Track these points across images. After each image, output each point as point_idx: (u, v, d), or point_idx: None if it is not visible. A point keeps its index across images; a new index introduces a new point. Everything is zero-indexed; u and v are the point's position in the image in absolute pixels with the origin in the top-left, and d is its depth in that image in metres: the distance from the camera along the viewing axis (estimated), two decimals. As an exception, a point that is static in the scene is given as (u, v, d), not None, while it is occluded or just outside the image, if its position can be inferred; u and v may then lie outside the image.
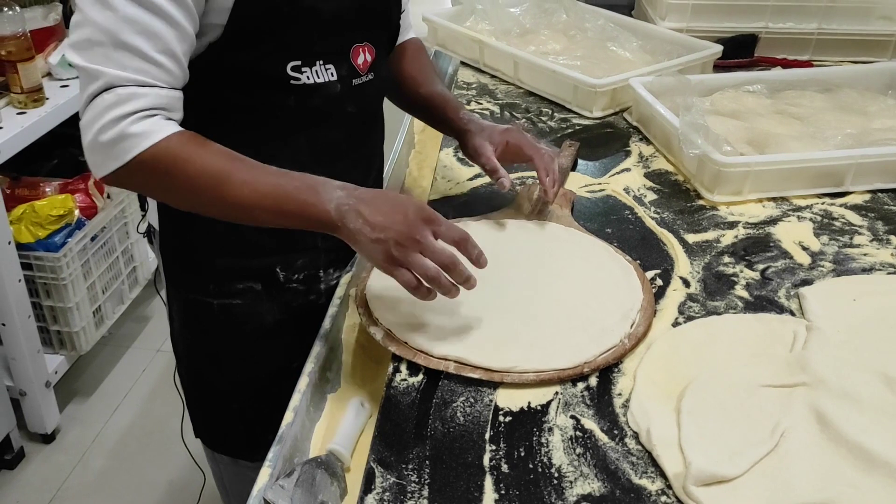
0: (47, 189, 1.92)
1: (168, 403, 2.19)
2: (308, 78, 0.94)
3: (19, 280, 1.85)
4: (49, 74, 2.01)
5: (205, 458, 1.29)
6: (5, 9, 1.78)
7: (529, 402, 0.83)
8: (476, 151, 1.10)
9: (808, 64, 1.73)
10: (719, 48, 1.62)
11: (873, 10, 1.73)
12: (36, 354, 1.93)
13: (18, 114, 1.87)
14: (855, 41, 1.74)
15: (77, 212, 1.94)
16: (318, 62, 0.95)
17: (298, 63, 0.93)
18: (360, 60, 1.00)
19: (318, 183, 0.86)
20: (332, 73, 0.96)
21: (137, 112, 0.82)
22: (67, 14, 2.15)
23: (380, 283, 0.95)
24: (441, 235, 0.85)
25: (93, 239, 2.02)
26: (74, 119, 1.97)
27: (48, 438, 2.05)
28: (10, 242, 1.79)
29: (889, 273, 1.03)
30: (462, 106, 1.16)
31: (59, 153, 2.23)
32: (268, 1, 0.88)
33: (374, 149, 1.13)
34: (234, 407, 1.16)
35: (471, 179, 1.29)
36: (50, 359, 2.01)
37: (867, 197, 1.22)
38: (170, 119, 0.86)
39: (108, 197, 2.11)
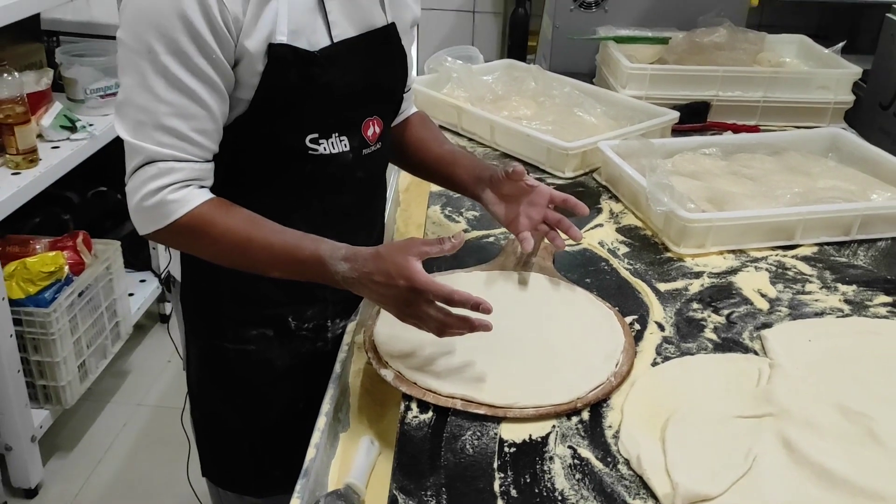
0: (37, 246, 1.97)
1: (150, 458, 2.22)
2: (325, 149, 1.04)
3: (11, 335, 1.88)
4: (40, 136, 2.07)
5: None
6: (5, 74, 1.85)
7: (531, 435, 0.92)
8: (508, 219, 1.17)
9: (755, 129, 1.87)
10: (676, 114, 1.75)
11: (812, 80, 1.90)
12: (24, 409, 1.95)
13: (13, 174, 1.92)
14: (797, 108, 1.90)
15: (66, 268, 1.99)
16: (333, 134, 1.05)
17: (316, 135, 1.03)
18: (370, 132, 1.10)
19: (325, 255, 0.96)
20: (345, 144, 1.06)
21: (175, 183, 0.94)
22: (57, 78, 2.22)
23: (386, 330, 1.05)
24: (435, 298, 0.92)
25: (80, 294, 2.07)
26: (62, 179, 2.04)
27: (31, 493, 2.06)
28: (3, 298, 1.83)
29: (838, 316, 1.16)
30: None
31: (42, 212, 2.29)
32: (288, 79, 0.99)
33: (377, 210, 1.24)
34: (245, 445, 1.23)
35: (459, 235, 1.39)
36: (35, 413, 2.03)
37: (815, 249, 1.35)
38: (202, 187, 0.98)
39: (95, 255, 2.16)
